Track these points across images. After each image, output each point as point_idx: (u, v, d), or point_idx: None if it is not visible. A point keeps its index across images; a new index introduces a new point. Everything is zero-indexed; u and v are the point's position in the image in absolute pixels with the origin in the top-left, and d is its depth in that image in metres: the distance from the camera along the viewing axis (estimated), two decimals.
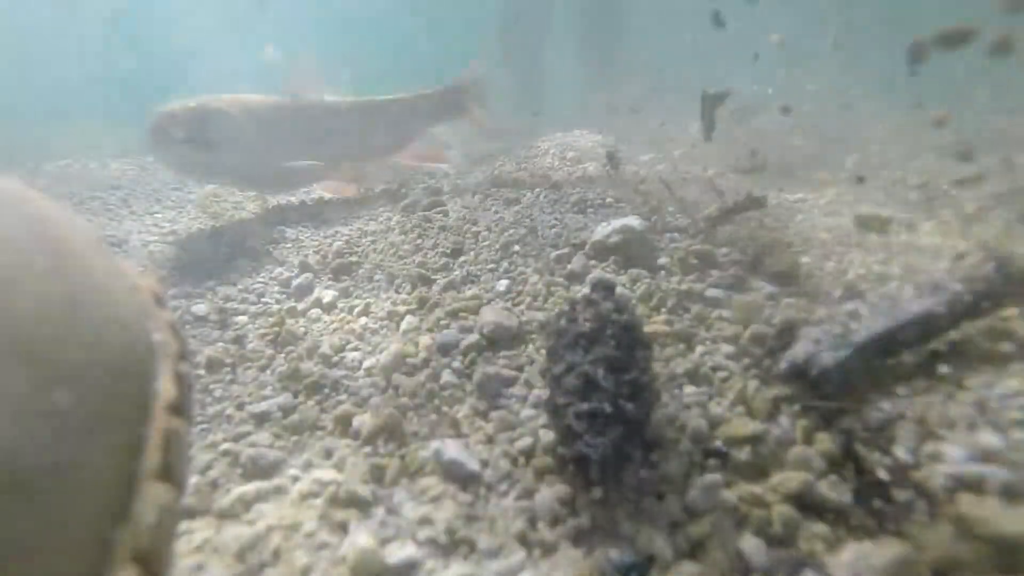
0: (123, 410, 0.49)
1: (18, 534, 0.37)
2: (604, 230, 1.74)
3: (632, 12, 8.20)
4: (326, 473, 1.02)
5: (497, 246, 1.90)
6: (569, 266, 1.70)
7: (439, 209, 2.43)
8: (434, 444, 1.02)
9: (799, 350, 1.09)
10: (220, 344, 1.53)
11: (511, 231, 1.99)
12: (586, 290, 1.53)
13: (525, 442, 1.03)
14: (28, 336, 0.43)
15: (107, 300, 0.54)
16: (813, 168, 3.13)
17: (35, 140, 5.19)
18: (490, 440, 1.06)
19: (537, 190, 2.51)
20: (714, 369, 1.18)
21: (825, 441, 0.95)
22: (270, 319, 1.66)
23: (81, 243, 0.59)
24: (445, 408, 1.17)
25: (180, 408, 0.55)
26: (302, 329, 1.59)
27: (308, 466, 1.06)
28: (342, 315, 1.65)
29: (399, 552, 0.82)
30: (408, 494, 0.94)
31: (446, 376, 1.25)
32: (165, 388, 0.54)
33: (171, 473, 0.50)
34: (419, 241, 2.08)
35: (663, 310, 1.42)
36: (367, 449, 1.08)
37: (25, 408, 0.40)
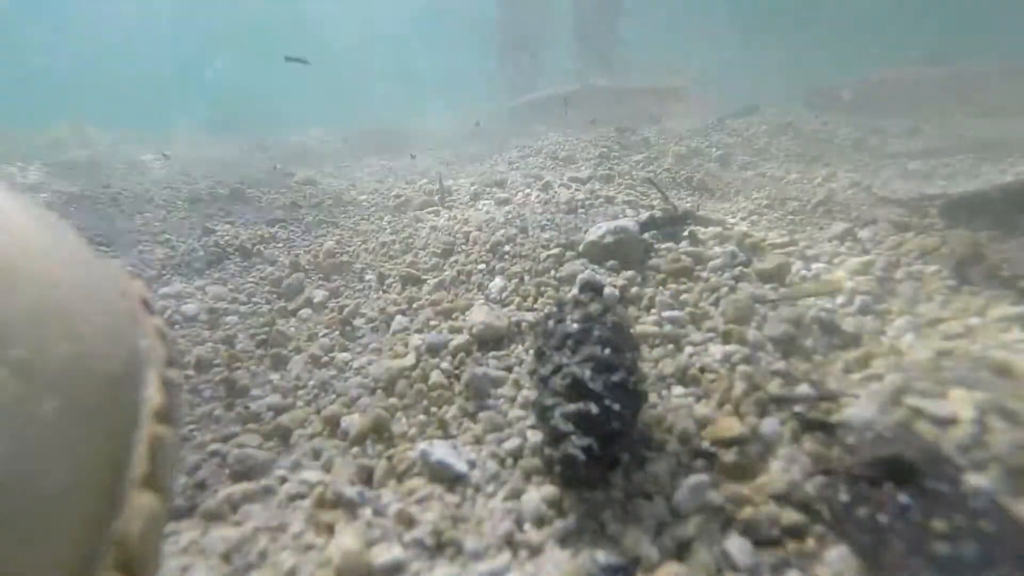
0: (109, 418, 0.49)
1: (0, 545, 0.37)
2: (598, 231, 1.74)
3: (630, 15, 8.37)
4: (313, 474, 1.01)
5: (488, 246, 1.90)
6: (560, 267, 1.70)
7: (430, 209, 2.43)
8: (422, 445, 1.02)
9: None
10: (209, 344, 1.52)
11: (502, 231, 1.99)
12: (575, 291, 1.54)
13: (513, 443, 1.03)
14: (12, 344, 0.43)
15: (94, 306, 0.54)
16: None
17: None
18: (478, 441, 1.06)
19: (528, 190, 2.51)
20: (702, 370, 1.18)
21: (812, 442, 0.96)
22: (260, 319, 1.65)
23: (67, 247, 0.59)
24: (434, 409, 1.17)
25: (167, 415, 0.54)
26: (292, 329, 1.58)
27: (296, 467, 1.05)
28: (333, 314, 1.65)
29: (385, 554, 0.82)
30: (395, 495, 0.94)
31: (435, 376, 1.25)
32: (152, 395, 0.54)
33: (158, 481, 0.50)
34: (410, 241, 2.08)
35: (652, 311, 1.43)
36: (355, 450, 1.08)
37: (9, 417, 0.40)
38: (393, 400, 1.20)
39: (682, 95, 5.59)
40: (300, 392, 1.30)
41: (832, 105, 5.61)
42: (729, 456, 0.95)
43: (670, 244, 1.77)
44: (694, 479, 0.90)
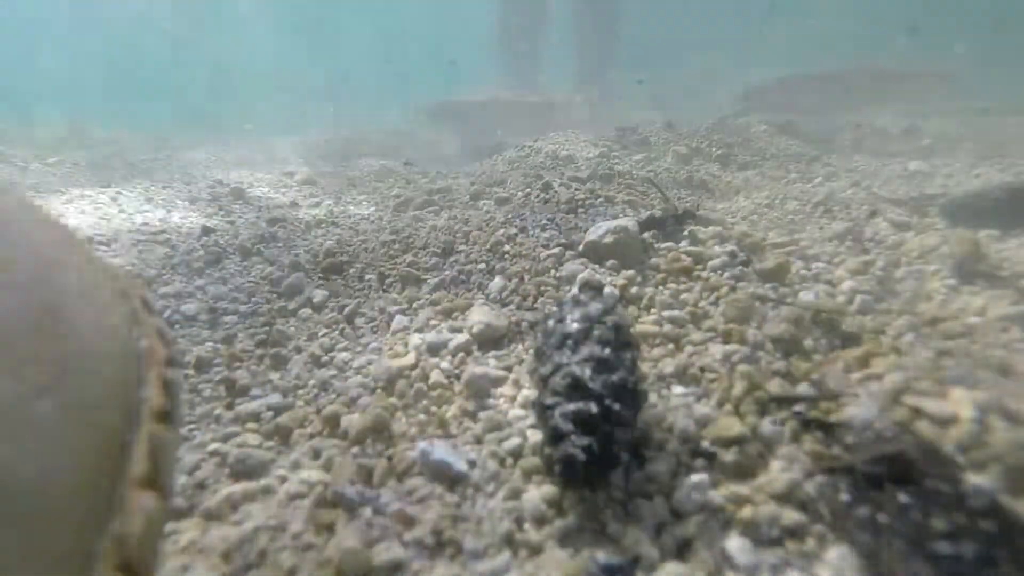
0: (109, 418, 0.48)
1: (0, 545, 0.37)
2: (598, 231, 1.74)
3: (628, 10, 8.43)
4: (313, 474, 1.01)
5: (488, 246, 1.90)
6: (560, 266, 1.70)
7: (431, 208, 2.43)
8: (422, 444, 1.02)
9: None
10: (209, 344, 1.52)
11: (502, 231, 1.99)
12: (575, 290, 1.54)
13: (513, 443, 1.03)
14: (11, 345, 0.43)
15: (93, 306, 0.54)
16: None
17: None
18: (478, 440, 1.06)
19: (528, 190, 2.51)
20: (702, 370, 1.18)
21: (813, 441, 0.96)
22: (260, 319, 1.65)
23: (67, 247, 0.59)
24: (434, 408, 1.17)
25: (167, 415, 0.54)
26: (292, 329, 1.58)
27: (296, 466, 1.05)
28: (332, 314, 1.65)
29: (385, 553, 0.82)
30: (395, 495, 0.94)
31: (435, 376, 1.25)
32: (152, 395, 0.54)
33: (157, 481, 0.49)
34: (410, 240, 2.08)
35: (652, 310, 1.43)
36: (355, 449, 1.08)
37: (9, 417, 0.40)
38: (393, 399, 1.20)
39: (552, 111, 6.70)
40: (300, 391, 1.30)
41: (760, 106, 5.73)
42: (729, 456, 0.95)
43: (670, 243, 1.77)
44: (694, 479, 0.90)
